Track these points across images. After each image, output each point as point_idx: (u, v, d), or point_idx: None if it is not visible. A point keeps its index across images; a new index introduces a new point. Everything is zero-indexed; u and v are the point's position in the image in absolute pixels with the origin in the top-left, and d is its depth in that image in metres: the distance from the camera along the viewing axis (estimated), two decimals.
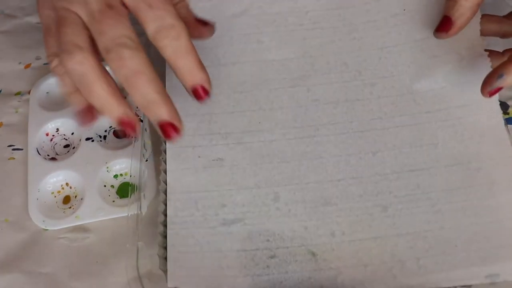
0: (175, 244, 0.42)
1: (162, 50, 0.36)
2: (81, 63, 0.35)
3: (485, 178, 0.43)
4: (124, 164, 0.48)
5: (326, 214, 0.43)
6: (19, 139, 0.50)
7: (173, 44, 0.36)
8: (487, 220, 0.41)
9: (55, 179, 0.47)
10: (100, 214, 0.45)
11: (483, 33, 0.45)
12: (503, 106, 0.49)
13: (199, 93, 0.38)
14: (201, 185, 0.44)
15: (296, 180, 0.44)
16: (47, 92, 0.52)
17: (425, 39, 0.47)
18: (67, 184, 0.48)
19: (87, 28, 0.36)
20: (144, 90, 0.35)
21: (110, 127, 0.50)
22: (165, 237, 0.42)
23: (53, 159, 0.49)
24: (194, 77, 0.37)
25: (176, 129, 0.36)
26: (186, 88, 0.38)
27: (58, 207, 0.47)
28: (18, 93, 0.53)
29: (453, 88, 0.46)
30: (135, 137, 0.38)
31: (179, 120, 0.36)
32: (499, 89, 0.40)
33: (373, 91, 0.47)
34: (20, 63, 0.55)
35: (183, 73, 0.37)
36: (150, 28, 0.36)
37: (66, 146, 0.50)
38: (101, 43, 0.35)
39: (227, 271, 0.41)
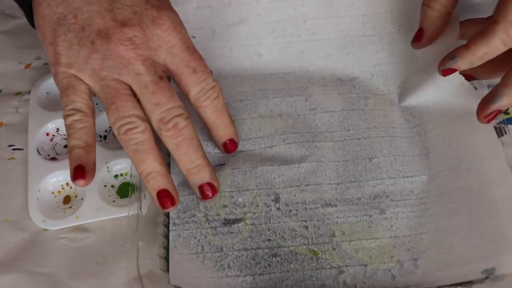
0: (177, 245, 0.42)
1: (204, 109, 0.41)
2: (143, 133, 0.38)
3: (476, 176, 0.44)
4: (124, 164, 0.48)
5: (326, 215, 0.43)
6: (19, 139, 0.50)
7: (214, 104, 0.41)
8: (480, 217, 0.42)
9: (55, 179, 0.47)
10: (100, 214, 0.45)
11: (464, 37, 0.45)
12: None
13: (230, 147, 0.44)
14: None
15: (296, 182, 0.44)
16: (47, 92, 0.52)
17: (416, 58, 0.48)
18: (67, 184, 0.47)
19: (135, 98, 0.39)
20: (193, 156, 0.40)
21: (110, 127, 0.50)
22: (166, 237, 0.43)
23: (53, 159, 0.49)
24: (228, 133, 0.43)
25: (213, 189, 0.42)
26: (217, 142, 0.44)
27: (58, 207, 0.47)
28: (18, 93, 0.53)
29: (438, 100, 0.47)
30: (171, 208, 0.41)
31: (217, 180, 0.42)
32: (453, 70, 0.42)
33: (367, 103, 0.49)
34: (20, 63, 0.55)
35: (220, 130, 0.43)
36: (194, 90, 0.40)
37: (66, 146, 0.50)
38: (157, 114, 0.38)
39: (228, 271, 0.41)
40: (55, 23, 0.39)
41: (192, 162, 0.40)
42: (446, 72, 0.43)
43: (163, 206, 0.40)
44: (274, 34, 0.50)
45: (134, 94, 0.39)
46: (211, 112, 0.41)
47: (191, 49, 0.40)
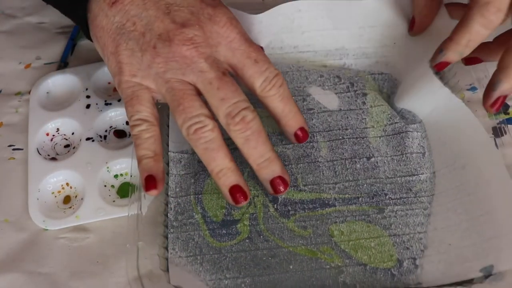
0: (175, 248, 0.42)
1: (271, 99, 0.41)
2: (212, 131, 0.38)
3: (471, 173, 0.44)
4: (124, 164, 0.48)
5: (325, 214, 0.43)
6: (19, 139, 0.50)
7: (280, 92, 0.41)
8: (477, 214, 0.42)
9: (56, 179, 0.47)
10: (100, 214, 0.45)
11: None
12: (504, 106, 0.49)
13: (301, 136, 0.43)
14: (201, 188, 0.44)
15: (294, 182, 0.44)
16: (47, 92, 0.53)
17: (410, 72, 0.49)
18: (67, 184, 0.48)
19: (201, 97, 0.39)
20: (262, 149, 0.40)
21: (110, 127, 0.50)
22: (166, 237, 0.43)
23: (53, 159, 0.49)
24: (298, 121, 0.42)
25: (285, 183, 0.41)
26: (287, 132, 0.43)
27: (58, 207, 0.47)
28: (18, 93, 0.53)
29: (430, 101, 0.47)
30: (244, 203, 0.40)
31: (287, 173, 0.41)
32: (445, 63, 0.43)
33: (365, 101, 0.49)
34: (20, 63, 0.55)
35: (289, 119, 0.42)
36: (259, 81, 0.40)
37: (67, 146, 0.50)
38: (224, 109, 0.38)
39: (227, 272, 0.41)
40: (114, 32, 0.40)
41: (262, 156, 0.40)
42: (438, 67, 0.43)
43: (236, 201, 0.40)
44: (271, 46, 0.51)
45: (199, 94, 0.39)
46: (279, 101, 0.41)
47: (249, 41, 0.41)
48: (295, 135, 0.43)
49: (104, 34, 0.41)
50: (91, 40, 0.44)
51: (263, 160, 0.40)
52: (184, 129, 0.39)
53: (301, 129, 0.42)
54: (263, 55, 0.41)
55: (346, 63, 0.52)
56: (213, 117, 0.39)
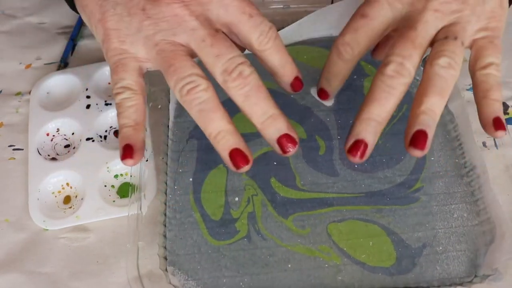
0: (173, 246, 0.42)
1: (269, 52, 0.39)
2: (206, 91, 0.36)
3: (470, 178, 0.44)
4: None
5: (324, 213, 0.43)
6: (19, 139, 0.50)
7: (276, 44, 0.39)
8: (475, 217, 0.43)
9: (56, 179, 0.47)
10: (100, 214, 0.45)
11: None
12: (504, 106, 0.49)
13: (297, 85, 0.40)
14: (199, 187, 0.44)
15: (292, 182, 0.44)
16: (47, 92, 0.53)
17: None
18: (67, 184, 0.48)
19: (193, 59, 0.37)
20: (264, 105, 0.37)
21: (110, 127, 0.50)
22: (166, 236, 0.43)
23: (53, 159, 0.49)
24: (294, 70, 0.40)
25: (293, 141, 0.37)
26: (284, 83, 0.40)
27: (58, 207, 0.47)
28: (19, 93, 0.53)
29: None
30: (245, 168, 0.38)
31: (295, 130, 0.38)
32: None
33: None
34: (20, 63, 0.55)
35: (286, 69, 0.39)
36: (255, 35, 0.38)
37: (67, 146, 0.50)
38: (220, 65, 0.37)
39: (225, 271, 0.41)
40: None
41: (265, 113, 0.37)
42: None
43: (237, 166, 0.37)
44: None
45: (191, 55, 0.38)
46: (276, 52, 0.39)
47: None
48: (292, 85, 0.40)
49: (90, 2, 0.39)
50: (77, 12, 0.42)
51: (267, 117, 0.37)
52: (177, 91, 0.37)
53: (297, 78, 0.40)
54: (255, 9, 0.39)
55: None
56: (207, 77, 0.37)
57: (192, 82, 0.36)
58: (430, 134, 0.35)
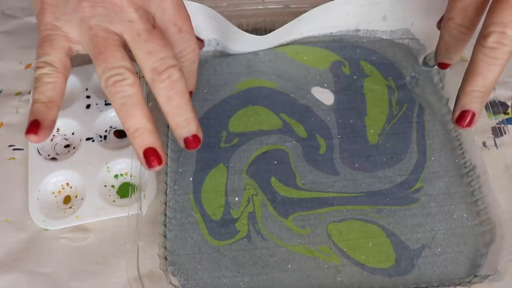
0: (174, 246, 0.42)
1: (189, 67, 0.41)
2: (132, 86, 0.36)
3: (471, 178, 0.45)
4: (124, 164, 0.48)
5: (324, 213, 0.43)
6: (19, 139, 0.50)
7: (195, 64, 0.42)
8: (474, 217, 0.43)
9: (56, 179, 0.47)
10: (100, 214, 0.45)
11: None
12: (503, 106, 0.50)
13: (191, 143, 0.40)
14: (199, 187, 0.44)
15: (293, 181, 0.44)
16: None
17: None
18: (67, 184, 0.48)
19: (125, 50, 0.37)
20: (184, 109, 0.37)
21: (110, 127, 0.50)
22: (166, 236, 0.43)
23: (53, 159, 0.49)
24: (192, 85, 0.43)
25: (198, 141, 0.39)
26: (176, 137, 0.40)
27: (58, 207, 0.47)
28: (19, 93, 0.53)
29: (433, 102, 0.49)
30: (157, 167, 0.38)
31: (202, 131, 0.39)
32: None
33: (363, 100, 0.49)
34: (20, 63, 0.55)
35: (189, 84, 0.41)
36: (176, 50, 0.39)
37: (67, 146, 0.50)
38: (150, 63, 0.36)
39: (225, 271, 0.41)
40: None
41: (182, 115, 0.38)
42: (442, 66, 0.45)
43: (149, 164, 0.37)
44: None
45: (124, 46, 0.37)
46: (195, 69, 0.42)
47: (180, 6, 0.39)
48: (184, 141, 0.40)
49: None
50: None
51: (183, 119, 0.38)
52: (103, 80, 0.36)
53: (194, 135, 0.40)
54: (188, 26, 0.39)
55: (345, 54, 0.52)
56: (136, 73, 0.37)
57: (119, 74, 0.36)
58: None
